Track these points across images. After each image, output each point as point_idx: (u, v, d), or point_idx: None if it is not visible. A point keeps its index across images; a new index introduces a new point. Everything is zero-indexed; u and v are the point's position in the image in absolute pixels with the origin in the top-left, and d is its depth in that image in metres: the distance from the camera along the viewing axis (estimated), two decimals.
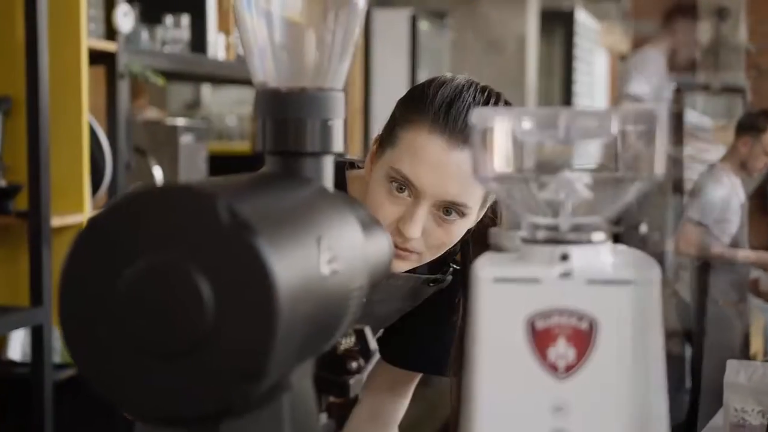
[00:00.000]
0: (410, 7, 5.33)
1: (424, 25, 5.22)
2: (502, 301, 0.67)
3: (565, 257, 0.68)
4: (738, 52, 8.97)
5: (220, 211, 0.60)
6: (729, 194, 4.24)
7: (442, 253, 1.33)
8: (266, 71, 0.78)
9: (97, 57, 2.69)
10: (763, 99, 9.35)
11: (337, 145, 0.78)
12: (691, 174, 4.49)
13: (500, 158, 0.70)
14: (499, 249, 0.76)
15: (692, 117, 4.78)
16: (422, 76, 6.35)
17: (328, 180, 0.79)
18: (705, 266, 4.38)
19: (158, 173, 3.02)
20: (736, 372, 1.78)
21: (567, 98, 7.58)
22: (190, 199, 0.61)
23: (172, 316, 0.60)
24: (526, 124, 0.69)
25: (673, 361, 4.89)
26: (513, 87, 5.77)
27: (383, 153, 1.29)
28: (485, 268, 0.68)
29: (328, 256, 0.68)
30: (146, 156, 3.02)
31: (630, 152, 0.67)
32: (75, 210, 2.55)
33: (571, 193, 0.70)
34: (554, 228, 0.70)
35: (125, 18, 2.70)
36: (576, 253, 0.68)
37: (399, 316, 1.46)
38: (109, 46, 2.71)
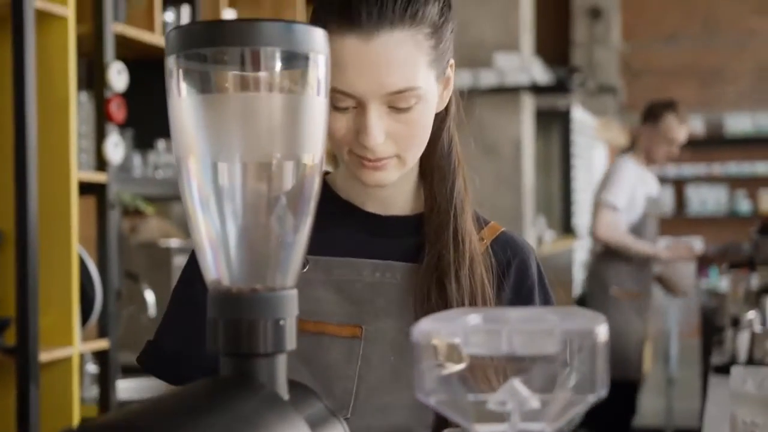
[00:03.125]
0: None
1: None
2: None
3: None
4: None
5: None
6: (634, 182, 4.32)
7: (423, 147, 1.23)
8: (219, 270, 0.78)
9: (87, 187, 2.71)
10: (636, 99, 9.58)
11: (291, 342, 0.78)
12: None
13: (446, 370, 0.69)
14: None
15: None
16: None
17: (281, 379, 0.78)
18: (604, 254, 4.37)
19: (150, 298, 3.01)
20: (742, 380, 1.62)
21: (566, 194, 7.61)
22: None
23: None
24: (471, 339, 0.69)
25: None
26: (510, 190, 5.80)
27: None
28: None
29: None
30: (138, 281, 3.02)
31: (573, 369, 0.67)
32: (64, 343, 2.55)
33: (518, 403, 0.69)
34: None
35: (115, 148, 2.73)
36: None
37: None
38: (99, 177, 2.73)
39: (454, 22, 1.24)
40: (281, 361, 0.78)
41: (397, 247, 1.29)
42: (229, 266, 0.78)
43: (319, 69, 0.78)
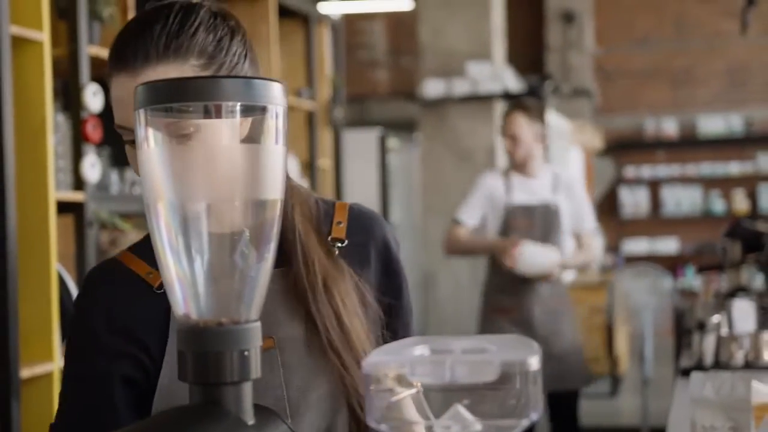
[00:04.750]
0: (379, 127, 5.45)
1: (393, 143, 5.35)
2: None
3: None
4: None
5: None
6: (486, 195, 4.26)
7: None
8: (187, 305, 0.85)
9: (65, 206, 2.77)
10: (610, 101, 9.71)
11: (255, 371, 0.85)
12: None
13: (395, 397, 0.76)
14: None
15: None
16: (393, 192, 6.50)
17: (247, 405, 0.85)
18: (486, 273, 4.33)
19: None
20: (701, 385, 1.66)
21: None
22: None
23: None
24: (417, 369, 0.75)
25: None
26: None
27: None
28: None
29: None
30: None
31: (510, 395, 0.74)
32: (44, 359, 2.60)
33: (462, 427, 0.76)
34: None
35: (92, 168, 2.79)
36: None
37: None
38: (77, 196, 2.79)
39: (244, 50, 1.28)
40: (247, 389, 0.85)
41: None
42: (197, 302, 0.85)
43: (276, 119, 0.85)
